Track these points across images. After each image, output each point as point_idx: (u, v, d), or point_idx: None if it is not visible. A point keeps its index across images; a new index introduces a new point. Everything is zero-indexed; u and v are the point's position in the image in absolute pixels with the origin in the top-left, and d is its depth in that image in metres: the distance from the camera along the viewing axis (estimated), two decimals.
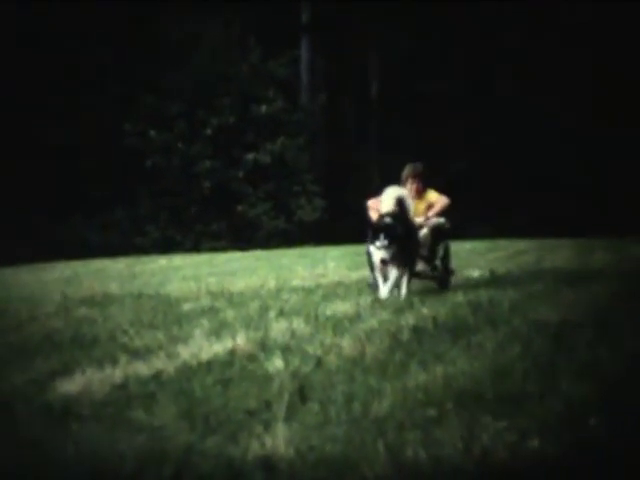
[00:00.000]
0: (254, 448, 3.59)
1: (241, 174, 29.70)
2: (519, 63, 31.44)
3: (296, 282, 11.93)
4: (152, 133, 29.55)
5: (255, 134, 30.04)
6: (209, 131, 29.69)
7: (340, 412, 4.09)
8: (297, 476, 3.33)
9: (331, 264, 15.54)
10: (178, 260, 21.84)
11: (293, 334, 6.46)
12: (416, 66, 31.86)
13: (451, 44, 31.80)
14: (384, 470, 3.32)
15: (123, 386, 4.89)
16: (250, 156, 29.66)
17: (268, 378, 4.85)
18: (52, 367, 5.57)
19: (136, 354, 5.87)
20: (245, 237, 29.15)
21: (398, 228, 8.93)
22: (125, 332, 7.03)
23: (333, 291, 9.92)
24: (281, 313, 7.81)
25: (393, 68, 32.33)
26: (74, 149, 29.82)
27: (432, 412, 3.98)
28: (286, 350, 5.70)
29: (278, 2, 31.74)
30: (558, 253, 17.31)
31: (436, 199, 10.00)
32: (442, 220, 9.94)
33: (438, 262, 9.93)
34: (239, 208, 29.55)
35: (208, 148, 29.72)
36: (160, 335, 6.72)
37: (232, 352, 5.74)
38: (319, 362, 5.26)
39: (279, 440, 3.65)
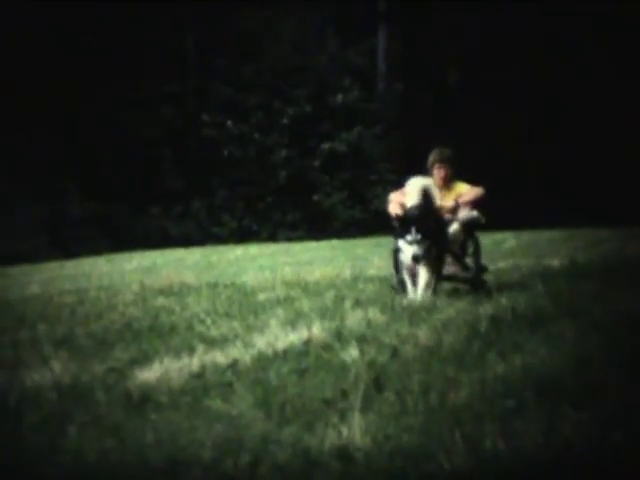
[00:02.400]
0: (330, 437, 3.58)
1: (317, 163, 29.76)
2: (599, 47, 30.83)
3: (372, 272, 11.88)
4: (229, 123, 29.79)
5: (331, 123, 30.05)
6: (285, 121, 29.80)
7: (417, 402, 4.05)
8: (373, 466, 3.31)
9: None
10: (254, 250, 21.98)
11: (369, 324, 6.43)
12: (495, 52, 31.44)
13: (530, 30, 31.30)
14: (462, 461, 3.27)
15: (200, 375, 4.93)
16: (326, 145, 29.68)
17: (344, 368, 4.83)
18: (131, 355, 5.65)
19: (213, 343, 5.91)
20: (321, 227, 29.18)
21: (429, 220, 7.93)
22: (202, 321, 7.08)
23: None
24: (357, 303, 7.79)
25: (472, 55, 31.95)
26: (153, 140, 30.22)
27: (511, 403, 3.92)
28: (362, 340, 5.67)
29: None
30: None
31: (467, 190, 8.87)
32: (475, 214, 8.76)
33: (469, 260, 8.78)
34: (315, 198, 29.61)
35: (284, 138, 29.83)
36: (236, 324, 6.76)
37: (308, 342, 5.74)
38: (395, 352, 5.23)
39: (355, 430, 3.62)
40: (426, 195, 8.15)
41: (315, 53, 30.67)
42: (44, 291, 12.14)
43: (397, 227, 7.96)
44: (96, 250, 26.68)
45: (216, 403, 4.25)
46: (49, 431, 3.94)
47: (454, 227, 8.57)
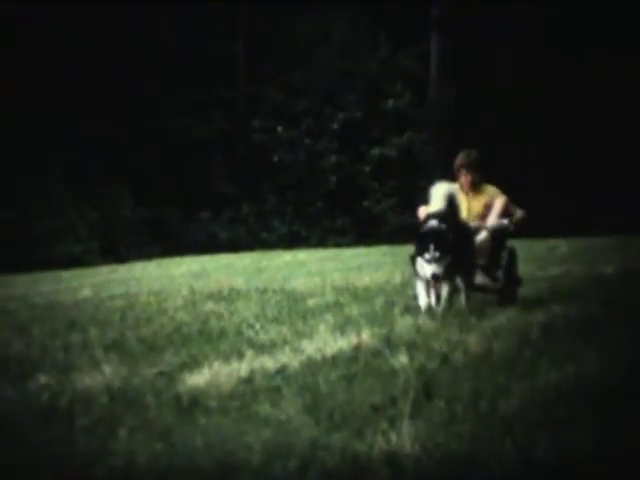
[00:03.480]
0: (379, 444, 3.56)
1: (367, 169, 29.73)
2: None
3: None
4: (279, 129, 29.89)
5: (382, 129, 30.01)
6: (336, 126, 29.82)
7: (467, 410, 4.01)
8: (423, 473, 3.28)
9: None
10: (303, 255, 22.00)
11: (419, 330, 6.40)
12: (547, 57, 31.13)
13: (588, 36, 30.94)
14: (512, 470, 3.23)
15: (249, 380, 4.93)
16: (376, 151, 29.65)
17: (393, 374, 4.81)
18: (181, 360, 5.67)
19: (262, 348, 5.91)
20: (371, 232, 29.14)
21: (450, 234, 7.27)
22: (251, 326, 7.10)
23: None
24: (406, 309, 7.75)
25: (523, 60, 31.66)
26: (203, 145, 30.41)
27: (562, 412, 3.86)
28: (411, 346, 5.64)
29: None
30: None
31: (495, 195, 8.33)
32: (505, 221, 8.20)
33: (500, 272, 8.18)
34: (365, 203, 29.58)
35: (334, 143, 29.85)
36: (285, 330, 6.76)
37: (357, 348, 5.72)
38: (445, 358, 5.19)
39: (404, 436, 3.60)
40: (451, 202, 7.61)
41: (366, 58, 30.66)
42: (95, 295, 12.25)
43: (415, 242, 7.37)
44: (147, 254, 26.93)
45: (265, 408, 4.25)
46: (100, 434, 3.97)
47: (482, 236, 8.08)
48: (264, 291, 10.70)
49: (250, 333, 6.74)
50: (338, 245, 27.82)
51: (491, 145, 31.54)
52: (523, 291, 8.90)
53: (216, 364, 5.31)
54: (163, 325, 7.67)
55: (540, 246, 18.91)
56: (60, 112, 29.00)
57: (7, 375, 5.49)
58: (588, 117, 30.82)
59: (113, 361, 5.64)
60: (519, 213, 8.39)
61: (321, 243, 28.73)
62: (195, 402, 4.47)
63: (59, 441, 3.90)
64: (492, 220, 8.15)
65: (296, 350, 5.75)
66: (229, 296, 10.21)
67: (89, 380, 5.10)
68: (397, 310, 7.66)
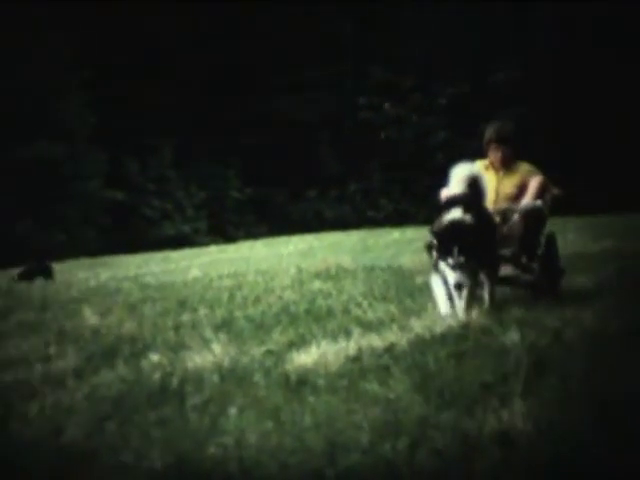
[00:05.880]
0: (490, 422, 3.50)
1: (476, 144, 29.41)
2: None
3: None
4: (386, 106, 29.79)
5: (491, 103, 29.60)
6: (444, 101, 29.55)
7: (580, 387, 3.91)
8: (536, 452, 3.21)
9: (570, 235, 14.96)
10: (411, 233, 21.87)
11: (530, 307, 6.28)
12: None
13: None
14: (626, 450, 3.13)
15: (357, 358, 4.91)
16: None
17: (504, 351, 4.72)
18: (288, 339, 5.69)
19: (369, 327, 5.89)
20: None
21: (474, 228, 6.01)
22: (358, 305, 7.07)
23: (572, 263, 9.50)
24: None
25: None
26: (310, 124, 30.53)
27: None
28: (522, 323, 5.54)
29: None
30: None
31: (529, 174, 7.17)
32: (539, 203, 6.96)
33: (534, 263, 6.93)
34: None
35: (442, 119, 29.59)
36: (393, 308, 6.72)
37: (466, 325, 5.64)
38: (558, 335, 5.07)
39: (516, 415, 3.53)
40: (475, 185, 6.57)
41: (472, 30, 30.26)
42: (204, 275, 12.42)
43: (434, 241, 6.25)
44: (254, 234, 27.25)
45: (373, 386, 4.23)
46: (211, 413, 4.02)
47: (512, 220, 6.97)
48: (371, 269, 10.67)
49: (358, 312, 6.72)
50: None
51: (597, 117, 30.78)
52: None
53: (324, 343, 5.32)
54: (271, 304, 7.71)
55: None
56: (170, 95, 29.49)
57: (120, 354, 5.61)
58: None
59: (222, 340, 5.70)
60: (555, 191, 7.22)
61: (429, 221, 28.55)
62: (303, 381, 4.48)
63: (171, 420, 3.96)
64: (525, 202, 6.99)
65: (404, 328, 5.71)
66: (336, 274, 10.21)
67: (199, 359, 5.17)
68: (508, 287, 7.51)
